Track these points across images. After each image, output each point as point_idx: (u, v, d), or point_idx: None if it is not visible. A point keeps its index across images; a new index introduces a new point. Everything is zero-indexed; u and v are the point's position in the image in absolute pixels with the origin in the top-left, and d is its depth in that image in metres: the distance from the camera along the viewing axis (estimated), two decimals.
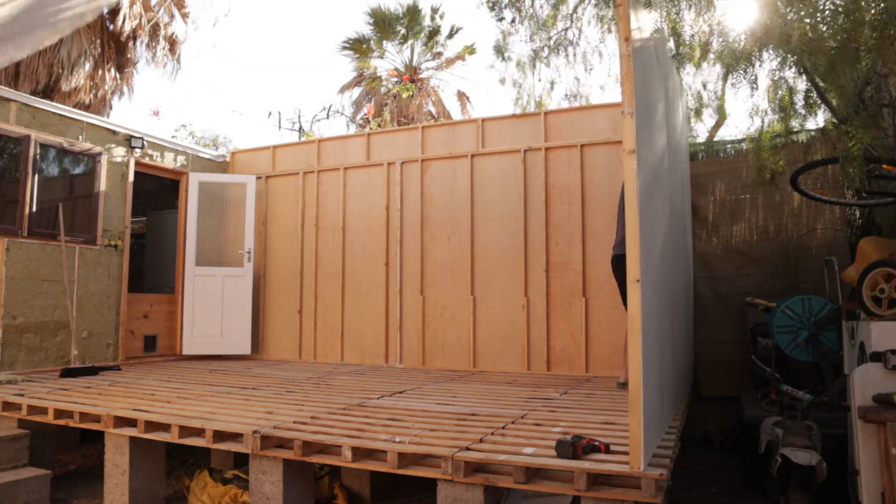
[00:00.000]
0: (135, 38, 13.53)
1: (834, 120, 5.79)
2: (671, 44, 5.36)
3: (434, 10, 19.02)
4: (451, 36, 19.35)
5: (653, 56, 4.07)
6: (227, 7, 41.03)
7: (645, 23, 3.92)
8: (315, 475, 4.42)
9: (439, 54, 19.57)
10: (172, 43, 14.08)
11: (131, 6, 13.18)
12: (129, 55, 13.53)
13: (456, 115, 19.28)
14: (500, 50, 10.12)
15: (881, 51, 3.89)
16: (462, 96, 19.78)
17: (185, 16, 14.26)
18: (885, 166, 4.86)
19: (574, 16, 9.01)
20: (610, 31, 8.76)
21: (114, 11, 13.22)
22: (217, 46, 47.67)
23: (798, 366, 5.81)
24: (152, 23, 13.49)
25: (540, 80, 9.88)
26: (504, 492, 3.41)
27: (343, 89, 19.65)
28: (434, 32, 19.19)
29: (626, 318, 3.02)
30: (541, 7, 9.36)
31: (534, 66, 9.78)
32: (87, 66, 12.48)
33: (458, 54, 19.21)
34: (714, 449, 6.38)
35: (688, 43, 5.60)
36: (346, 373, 7.19)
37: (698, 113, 8.81)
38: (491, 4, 9.66)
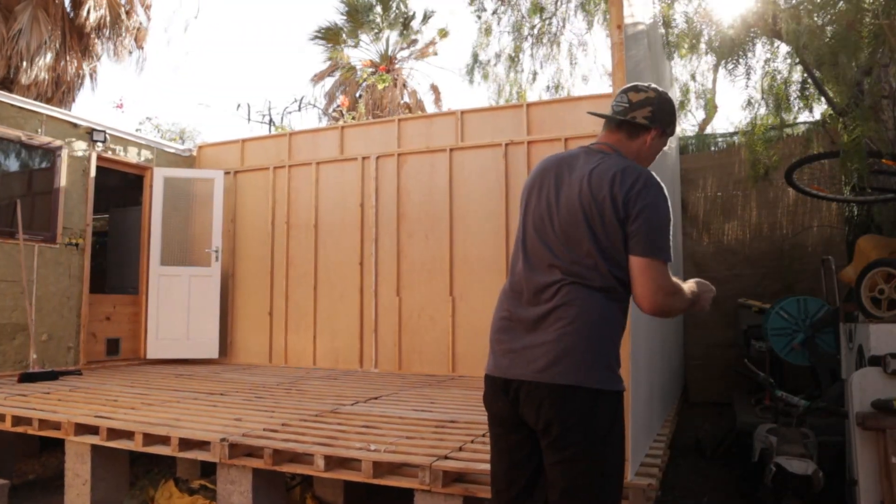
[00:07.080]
0: (98, 30, 13.21)
1: (831, 112, 5.69)
2: (661, 31, 5.20)
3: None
4: (425, 20, 19.33)
5: (645, 45, 4.01)
6: (196, 7, 40.70)
7: (637, 10, 3.85)
8: (286, 485, 4.34)
9: (415, 42, 19.50)
10: (137, 34, 13.83)
11: None
12: (92, 47, 13.22)
13: (429, 107, 19.22)
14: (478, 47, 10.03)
15: (889, 39, 3.74)
16: (435, 89, 19.72)
17: (147, 8, 14.07)
18: (884, 161, 4.77)
19: (557, 3, 8.87)
20: (592, 16, 8.61)
21: (77, 2, 12.92)
22: (189, 51, 46.96)
23: (793, 370, 5.77)
24: (116, 14, 13.20)
25: (522, 71, 9.71)
26: (485, 503, 3.30)
27: (315, 79, 19.46)
28: (409, 19, 19.08)
29: None
30: None
31: (516, 59, 9.62)
32: (49, 58, 12.14)
33: (432, 39, 19.22)
34: (705, 457, 6.23)
35: (679, 31, 5.45)
36: (318, 378, 7.02)
37: (688, 104, 8.71)
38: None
